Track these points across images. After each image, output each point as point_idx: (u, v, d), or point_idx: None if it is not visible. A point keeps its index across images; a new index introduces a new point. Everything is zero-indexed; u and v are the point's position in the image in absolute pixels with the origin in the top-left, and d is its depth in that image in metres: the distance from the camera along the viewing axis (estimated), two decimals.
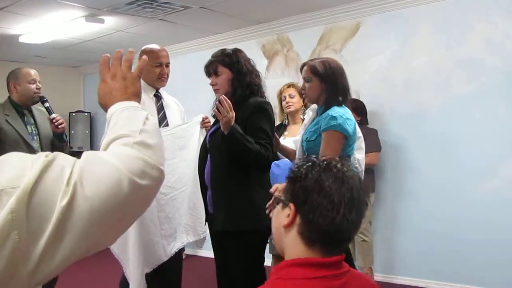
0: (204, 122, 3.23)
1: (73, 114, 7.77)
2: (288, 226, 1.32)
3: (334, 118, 2.75)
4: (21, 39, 5.82)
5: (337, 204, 1.26)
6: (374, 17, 4.85)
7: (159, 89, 3.45)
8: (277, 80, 5.22)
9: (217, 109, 2.65)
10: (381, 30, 4.81)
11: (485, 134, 4.22)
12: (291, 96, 4.16)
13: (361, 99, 4.79)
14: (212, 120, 3.18)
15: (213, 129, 2.99)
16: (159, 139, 1.11)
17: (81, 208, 0.89)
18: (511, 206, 4.08)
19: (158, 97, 3.42)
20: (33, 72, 3.75)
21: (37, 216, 0.86)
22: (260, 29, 5.69)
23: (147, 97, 3.36)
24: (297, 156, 2.99)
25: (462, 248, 4.26)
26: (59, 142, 3.73)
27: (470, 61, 4.30)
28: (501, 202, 4.13)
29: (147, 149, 1.03)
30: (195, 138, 3.17)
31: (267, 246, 3.92)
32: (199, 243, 3.28)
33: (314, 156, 1.40)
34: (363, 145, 3.01)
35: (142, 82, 3.36)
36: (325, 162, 1.33)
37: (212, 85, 2.99)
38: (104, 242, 0.98)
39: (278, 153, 3.94)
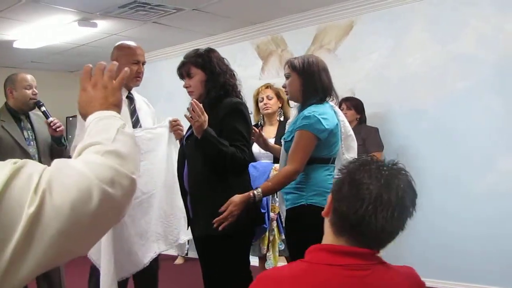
0: (172, 125, 3.12)
1: (70, 118, 7.76)
2: (325, 215, 1.38)
3: (306, 117, 2.67)
4: (15, 45, 5.82)
5: (362, 197, 1.28)
6: (367, 15, 4.84)
7: (131, 89, 3.37)
8: (272, 81, 5.18)
9: (189, 114, 2.62)
10: (375, 28, 4.80)
11: (481, 128, 4.21)
12: (269, 98, 4.11)
13: (356, 97, 4.78)
14: (185, 123, 3.08)
15: (188, 133, 2.92)
16: (133, 148, 1.09)
17: (49, 217, 0.88)
18: (507, 199, 4.07)
19: (130, 99, 3.34)
20: (29, 77, 3.73)
21: (3, 225, 0.85)
22: (254, 30, 5.69)
23: None
24: (280, 157, 2.94)
25: (462, 243, 4.24)
26: (57, 145, 3.71)
27: (464, 57, 4.29)
28: (499, 195, 4.12)
29: (118, 158, 1.02)
30: (164, 141, 3.08)
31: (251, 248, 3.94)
32: (179, 249, 3.18)
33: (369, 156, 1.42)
34: (354, 144, 2.93)
35: None
36: (368, 159, 1.36)
37: (186, 87, 2.92)
38: (76, 251, 0.96)
39: (255, 155, 3.94)
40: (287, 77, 2.83)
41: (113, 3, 4.54)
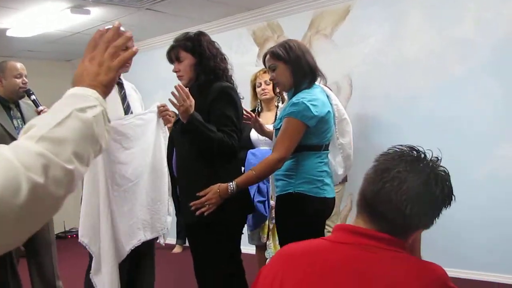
0: (160, 111, 3.05)
1: None
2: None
3: (294, 104, 2.59)
4: (8, 33, 5.75)
5: (383, 175, 1.28)
6: (364, 0, 4.76)
7: (120, 75, 3.32)
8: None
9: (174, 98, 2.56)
10: (372, 13, 4.72)
11: (480, 114, 4.14)
12: (266, 83, 4.02)
13: (353, 83, 4.72)
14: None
15: (176, 119, 2.87)
16: (81, 135, 0.98)
17: None
18: (507, 186, 4.02)
19: (120, 85, 3.29)
20: (19, 65, 3.67)
21: None
22: (250, 16, 5.61)
23: None
24: (272, 145, 2.87)
25: (462, 230, 4.20)
26: None
27: (462, 42, 4.21)
28: (499, 181, 4.06)
29: (54, 145, 0.92)
30: (152, 127, 3.00)
31: (247, 237, 3.88)
32: (162, 237, 3.14)
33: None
34: (349, 128, 2.84)
35: None
36: (407, 150, 1.36)
37: (175, 71, 2.85)
38: (6, 243, 0.89)
39: (253, 141, 3.88)
40: (273, 69, 2.73)
41: None
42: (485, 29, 4.10)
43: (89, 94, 1.10)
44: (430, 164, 1.32)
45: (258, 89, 4.03)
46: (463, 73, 4.21)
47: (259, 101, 4.08)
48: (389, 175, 1.27)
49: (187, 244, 5.54)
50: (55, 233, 6.91)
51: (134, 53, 1.25)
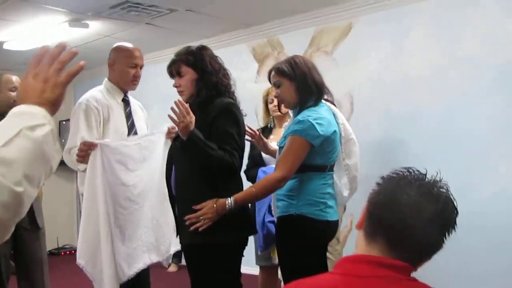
0: (170, 132, 2.95)
1: (63, 122, 7.60)
2: (359, 225, 1.29)
3: (300, 122, 2.51)
4: (5, 46, 5.68)
5: (400, 200, 1.20)
6: (366, 17, 4.70)
7: (127, 92, 3.25)
8: (268, 84, 5.00)
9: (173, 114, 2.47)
10: (374, 30, 4.66)
11: (484, 134, 4.05)
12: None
13: (355, 101, 4.64)
14: None
15: (176, 135, 2.77)
16: (31, 155, 0.92)
17: None
18: None
19: (126, 102, 3.23)
20: (14, 78, 3.58)
21: None
22: (250, 32, 5.56)
23: (115, 102, 3.17)
24: (275, 163, 2.78)
25: (467, 256, 4.10)
26: None
27: (466, 59, 4.13)
28: (505, 198, 3.95)
29: (1, 166, 0.86)
30: (160, 149, 2.90)
31: (254, 257, 3.78)
32: (166, 260, 3.05)
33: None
34: (355, 148, 2.76)
35: (112, 85, 3.19)
36: (412, 173, 1.27)
37: (176, 87, 2.76)
38: None
39: (265, 159, 3.79)
40: (277, 85, 2.66)
41: (104, 3, 4.42)
42: (490, 46, 4.03)
43: (37, 112, 1.03)
44: (439, 186, 1.27)
45: (270, 105, 3.96)
46: (467, 91, 4.13)
47: (271, 117, 4.00)
48: (405, 201, 1.19)
49: (183, 262, 5.44)
50: (48, 249, 6.83)
51: (81, 67, 1.16)
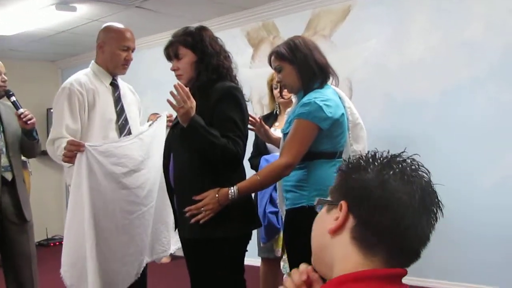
0: (169, 121, 2.76)
1: (51, 110, 7.41)
2: (336, 231, 1.04)
3: (305, 104, 2.34)
4: None
5: (405, 203, 1.00)
6: None
7: (116, 76, 3.06)
8: (263, 70, 4.87)
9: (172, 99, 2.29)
10: (374, 13, 4.50)
11: (487, 120, 3.93)
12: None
13: (354, 86, 4.49)
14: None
15: (175, 122, 2.58)
16: None
17: None
18: None
19: (115, 86, 3.03)
20: None
21: None
22: (244, 15, 5.37)
23: (103, 86, 2.96)
24: (280, 152, 2.62)
25: (469, 247, 3.98)
26: (28, 139, 3.39)
27: (470, 44, 3.99)
28: (509, 187, 3.84)
29: None
30: (162, 142, 2.68)
31: (257, 249, 3.64)
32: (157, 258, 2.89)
33: (373, 151, 1.11)
34: (363, 133, 2.60)
35: (99, 67, 3.00)
36: (389, 155, 1.08)
37: (173, 70, 2.56)
38: None
39: (269, 147, 3.63)
40: (278, 70, 2.49)
41: None
42: (494, 32, 3.90)
43: None
44: (412, 168, 1.06)
45: (275, 91, 3.79)
46: (470, 77, 4.00)
47: (277, 103, 3.85)
48: (397, 198, 1.00)
49: (176, 253, 5.30)
50: (37, 240, 6.67)
51: None
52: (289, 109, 2.89)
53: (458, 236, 4.00)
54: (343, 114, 2.44)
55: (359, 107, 4.28)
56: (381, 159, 1.06)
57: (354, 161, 1.08)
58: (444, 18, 4.13)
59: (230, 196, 2.29)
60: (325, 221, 1.08)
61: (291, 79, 2.48)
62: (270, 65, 2.59)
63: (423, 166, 1.08)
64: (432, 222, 1.04)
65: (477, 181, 3.98)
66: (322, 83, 2.47)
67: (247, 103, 2.55)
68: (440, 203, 1.06)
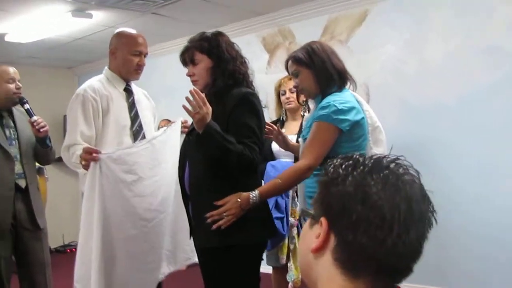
0: (184, 127, 2.74)
1: None
2: (318, 250, 0.95)
3: (324, 107, 2.33)
4: (6, 38, 5.49)
5: (389, 218, 0.89)
6: (382, 4, 4.48)
7: (130, 82, 3.04)
8: (279, 75, 4.82)
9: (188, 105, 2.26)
10: (391, 17, 4.43)
11: (507, 126, 3.84)
12: (292, 91, 3.76)
13: (371, 92, 4.43)
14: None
15: (190, 128, 2.56)
16: None
17: None
18: None
19: (129, 92, 3.02)
20: (12, 70, 3.39)
21: None
22: (260, 21, 5.34)
23: (116, 92, 2.95)
24: (300, 157, 2.59)
25: (492, 251, 3.89)
26: (41, 147, 3.39)
27: (491, 49, 3.90)
28: None
29: None
30: (177, 148, 2.66)
31: (265, 257, 3.58)
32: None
33: (358, 153, 1.01)
34: (382, 136, 2.57)
35: (112, 73, 2.98)
36: (372, 160, 0.95)
37: (189, 75, 2.54)
38: None
39: (275, 153, 3.59)
40: (295, 75, 2.49)
41: None
42: None
43: None
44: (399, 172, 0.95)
45: (282, 97, 3.76)
46: (490, 83, 3.91)
47: (284, 110, 3.81)
48: (392, 210, 0.90)
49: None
50: (53, 247, 6.69)
51: None
52: (307, 115, 2.86)
53: (477, 241, 3.91)
54: (363, 117, 2.43)
55: (376, 112, 4.24)
56: (362, 167, 0.95)
57: (332, 170, 0.98)
58: (463, 22, 4.05)
59: (251, 200, 2.26)
60: (307, 237, 1.00)
61: (308, 83, 2.47)
62: (287, 70, 2.60)
63: (411, 168, 0.97)
64: (424, 232, 0.94)
65: (495, 185, 3.89)
66: (340, 87, 2.45)
67: (263, 109, 2.51)
68: (432, 208, 0.96)
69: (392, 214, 0.89)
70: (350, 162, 0.96)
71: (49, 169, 5.63)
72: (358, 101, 2.50)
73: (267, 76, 5.21)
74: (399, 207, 0.90)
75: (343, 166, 0.96)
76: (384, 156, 0.97)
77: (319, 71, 2.43)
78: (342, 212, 0.92)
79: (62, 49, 6.26)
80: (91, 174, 2.40)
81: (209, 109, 2.25)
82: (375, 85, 4.50)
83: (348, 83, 2.56)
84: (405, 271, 0.95)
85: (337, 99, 2.35)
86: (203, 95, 2.27)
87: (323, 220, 0.95)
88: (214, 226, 2.25)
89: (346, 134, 2.34)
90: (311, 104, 2.79)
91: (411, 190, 0.93)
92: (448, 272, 4.06)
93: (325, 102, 2.37)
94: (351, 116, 2.33)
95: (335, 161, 0.99)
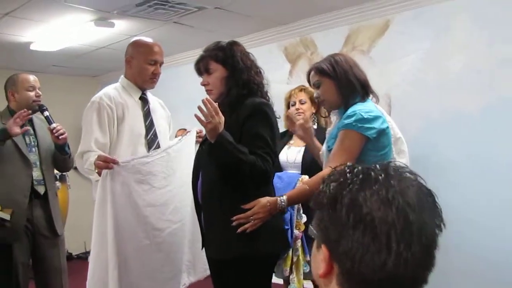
0: (199, 136, 2.75)
1: None
2: (325, 276, 0.93)
3: (350, 116, 2.32)
4: (32, 47, 5.58)
5: (385, 239, 0.85)
6: (404, 14, 4.42)
7: (146, 90, 3.04)
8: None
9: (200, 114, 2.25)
10: (413, 28, 4.38)
11: None
12: (301, 102, 3.74)
13: (392, 103, 4.37)
14: None
15: (204, 138, 2.55)
16: None
17: None
18: None
19: (144, 100, 3.02)
20: (32, 78, 3.45)
21: None
22: (282, 31, 5.32)
23: (132, 100, 2.96)
24: (323, 167, 2.56)
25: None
26: (60, 154, 3.42)
27: None
28: None
29: None
30: (192, 158, 2.65)
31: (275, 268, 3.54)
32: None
33: (349, 165, 0.96)
34: (404, 147, 2.56)
35: (128, 82, 2.99)
36: (361, 176, 0.91)
37: (204, 85, 2.55)
38: None
39: (282, 164, 3.55)
40: (317, 85, 2.48)
41: (130, 1, 4.24)
42: None
43: None
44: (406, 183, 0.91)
45: (291, 108, 3.73)
46: None
47: None
48: (389, 230, 0.85)
49: None
50: (75, 253, 6.74)
51: None
52: (329, 129, 2.84)
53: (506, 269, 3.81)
54: (388, 127, 2.41)
55: (398, 124, 4.19)
56: (351, 185, 0.90)
57: (323, 188, 0.95)
58: (484, 32, 3.97)
59: (279, 206, 2.26)
60: (316, 259, 0.97)
61: (330, 94, 2.47)
62: (309, 81, 2.60)
63: (405, 170, 0.92)
64: (433, 237, 0.90)
65: None
66: (363, 98, 2.45)
67: (277, 119, 2.49)
68: (437, 206, 0.90)
69: (388, 234, 0.85)
70: (340, 180, 0.92)
71: (71, 176, 5.70)
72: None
73: (288, 86, 5.15)
74: (394, 223, 0.86)
75: (332, 187, 0.92)
76: (373, 168, 0.92)
77: (342, 81, 2.43)
78: (338, 239, 0.89)
79: (86, 57, 6.33)
80: (102, 182, 2.41)
81: (221, 118, 2.24)
82: (396, 95, 4.44)
83: (371, 96, 2.54)
84: (417, 283, 0.91)
85: (362, 108, 2.34)
86: (215, 104, 2.26)
87: (323, 248, 0.93)
88: (240, 230, 2.23)
89: (373, 142, 2.32)
90: (334, 117, 2.76)
91: (405, 199, 0.88)
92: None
93: (350, 111, 2.36)
94: (377, 125, 2.32)
95: (327, 179, 0.95)
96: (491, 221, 3.84)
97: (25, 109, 3.22)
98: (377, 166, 0.93)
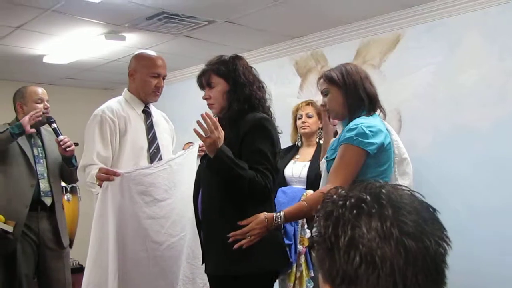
0: (201, 150, 2.72)
1: None
2: None
3: (351, 129, 2.28)
4: (45, 60, 5.62)
5: (389, 276, 0.81)
6: (415, 28, 4.39)
7: (148, 103, 3.03)
8: (312, 99, 4.81)
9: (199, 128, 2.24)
10: (424, 42, 4.34)
11: None
12: (308, 116, 3.73)
13: (403, 117, 4.32)
14: None
15: (204, 152, 2.51)
16: None
17: None
18: None
19: (147, 114, 3.02)
20: (40, 90, 3.47)
21: None
22: (293, 44, 5.31)
23: (135, 113, 2.96)
24: (321, 180, 2.52)
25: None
26: (67, 166, 3.42)
27: None
28: None
29: None
30: (193, 172, 2.63)
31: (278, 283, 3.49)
32: None
33: (341, 193, 0.92)
34: (409, 169, 2.48)
35: (131, 95, 3.00)
36: (354, 210, 0.86)
37: (205, 98, 2.54)
38: None
39: (287, 179, 3.52)
40: (325, 93, 2.45)
41: (140, 14, 4.26)
42: None
43: None
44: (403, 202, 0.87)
45: (298, 122, 3.72)
46: None
47: (299, 135, 3.76)
48: (393, 259, 0.82)
49: None
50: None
51: None
52: (333, 140, 2.81)
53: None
54: (389, 142, 2.35)
55: (408, 140, 4.15)
56: (346, 221, 0.86)
57: (320, 227, 0.90)
58: (495, 46, 3.92)
59: (275, 222, 2.22)
60: None
61: (336, 104, 2.43)
62: (318, 88, 2.55)
63: (398, 189, 0.88)
64: (440, 259, 0.86)
65: None
66: (369, 112, 2.40)
67: (279, 134, 2.47)
68: (442, 229, 0.86)
69: (391, 268, 0.82)
70: (335, 216, 0.88)
71: (81, 188, 5.70)
72: (387, 129, 2.44)
73: (299, 100, 5.15)
74: (395, 256, 0.82)
75: (328, 223, 0.88)
76: (364, 199, 0.88)
77: (350, 92, 2.40)
78: (342, 281, 0.85)
79: (98, 70, 6.37)
80: (102, 195, 2.39)
81: (221, 133, 2.22)
82: (407, 110, 4.40)
83: (378, 111, 2.50)
84: None
85: (364, 122, 2.31)
86: (215, 119, 2.25)
87: (323, 283, 0.90)
88: (236, 246, 2.20)
89: (373, 157, 2.28)
90: (339, 128, 2.73)
91: (403, 227, 0.84)
92: None
93: (352, 124, 2.33)
94: (378, 140, 2.28)
95: (321, 212, 0.91)
96: (504, 239, 3.76)
97: (37, 110, 3.24)
98: (368, 197, 0.88)
